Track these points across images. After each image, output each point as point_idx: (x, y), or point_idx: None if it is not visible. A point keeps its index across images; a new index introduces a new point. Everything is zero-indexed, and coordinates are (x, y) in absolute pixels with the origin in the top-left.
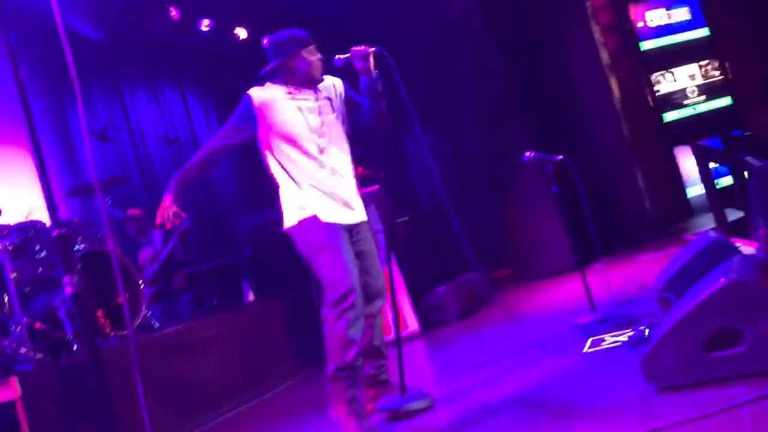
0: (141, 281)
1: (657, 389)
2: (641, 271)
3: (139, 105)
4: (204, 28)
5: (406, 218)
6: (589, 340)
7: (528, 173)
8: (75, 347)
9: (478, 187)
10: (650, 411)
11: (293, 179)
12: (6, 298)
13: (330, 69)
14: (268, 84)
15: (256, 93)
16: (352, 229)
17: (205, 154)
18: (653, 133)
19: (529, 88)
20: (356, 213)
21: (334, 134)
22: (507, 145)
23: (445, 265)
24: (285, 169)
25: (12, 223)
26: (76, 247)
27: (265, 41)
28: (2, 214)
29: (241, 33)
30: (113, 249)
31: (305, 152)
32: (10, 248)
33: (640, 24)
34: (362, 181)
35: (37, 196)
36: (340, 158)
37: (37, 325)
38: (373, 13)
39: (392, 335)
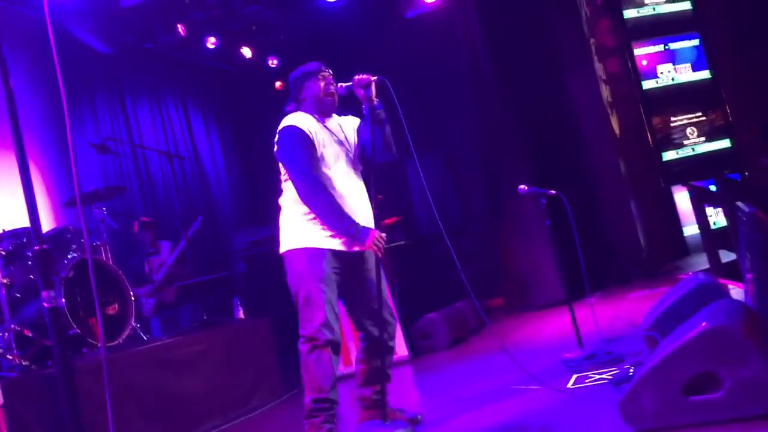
0: (131, 292)
1: (634, 431)
2: (632, 309)
3: (142, 119)
4: (210, 46)
5: (401, 242)
6: (574, 377)
7: (523, 205)
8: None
9: (477, 215)
10: None
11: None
12: None
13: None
14: (296, 113)
15: (299, 122)
16: (357, 257)
17: (324, 187)
18: (651, 171)
19: (529, 120)
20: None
21: (349, 162)
22: (505, 174)
23: (437, 291)
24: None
25: (5, 229)
26: (70, 255)
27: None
28: None
29: (246, 52)
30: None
31: (327, 177)
32: (3, 254)
33: (643, 63)
34: None
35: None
36: (355, 186)
37: (25, 332)
38: (378, 39)
39: None
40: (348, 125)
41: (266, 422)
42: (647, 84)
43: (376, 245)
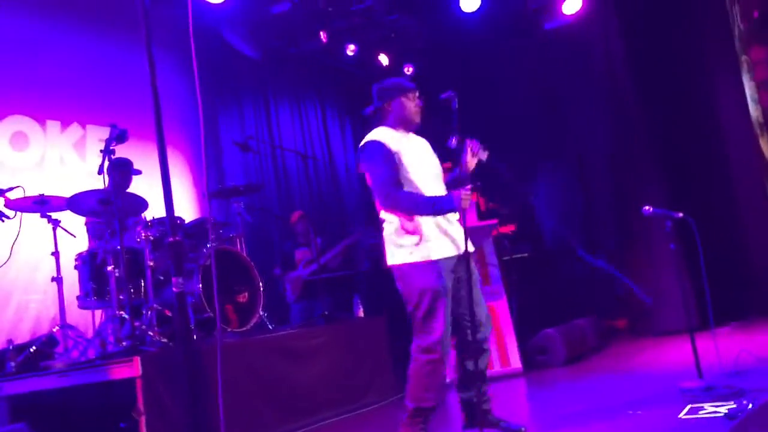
0: (261, 283)
1: None
2: (766, 342)
3: (283, 120)
4: (349, 53)
5: (525, 255)
6: (688, 407)
7: (651, 226)
8: (195, 337)
9: (604, 231)
10: None
11: (406, 217)
12: (143, 284)
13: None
14: (380, 128)
15: (381, 137)
16: (461, 261)
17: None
18: None
19: (668, 137)
20: (461, 245)
21: (433, 173)
22: (637, 192)
23: (558, 307)
24: None
25: (155, 217)
26: (209, 244)
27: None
28: (149, 207)
29: (383, 59)
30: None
31: (411, 182)
32: (151, 239)
33: None
34: (483, 215)
35: (182, 195)
36: (439, 193)
37: (166, 312)
38: (514, 49)
39: (494, 370)
40: (423, 141)
41: (377, 419)
42: None
43: (465, 201)
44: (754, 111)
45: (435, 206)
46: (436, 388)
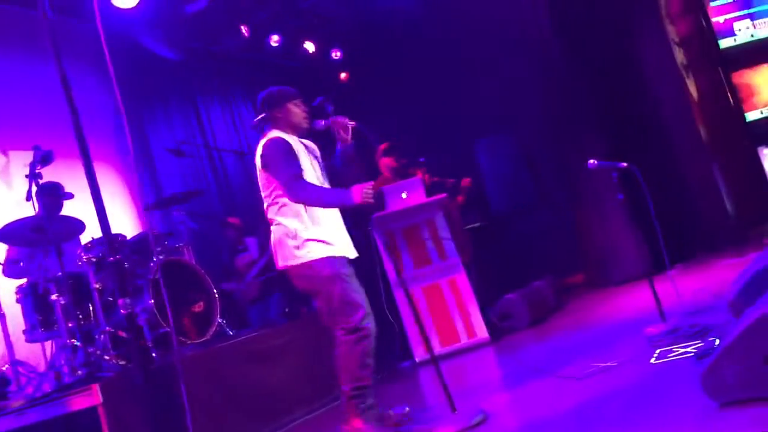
0: (215, 290)
1: (718, 405)
2: (719, 278)
3: (215, 120)
4: (273, 44)
5: (477, 225)
6: (657, 351)
7: (597, 180)
8: (154, 354)
9: (552, 192)
10: (709, 427)
11: (307, 217)
12: (91, 308)
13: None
14: (275, 131)
15: (283, 135)
16: (352, 262)
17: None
18: (735, 133)
19: (600, 92)
20: (353, 249)
21: (320, 175)
22: (578, 149)
23: (515, 271)
24: (300, 209)
25: (94, 237)
26: (155, 257)
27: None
28: (86, 228)
29: (309, 47)
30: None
31: None
32: (94, 260)
33: (719, 19)
34: (430, 190)
35: (121, 210)
36: None
37: (120, 333)
38: (439, 15)
39: (461, 343)
40: (313, 146)
41: None
42: (724, 43)
43: (366, 196)
44: (678, 54)
45: (338, 199)
46: (369, 366)
